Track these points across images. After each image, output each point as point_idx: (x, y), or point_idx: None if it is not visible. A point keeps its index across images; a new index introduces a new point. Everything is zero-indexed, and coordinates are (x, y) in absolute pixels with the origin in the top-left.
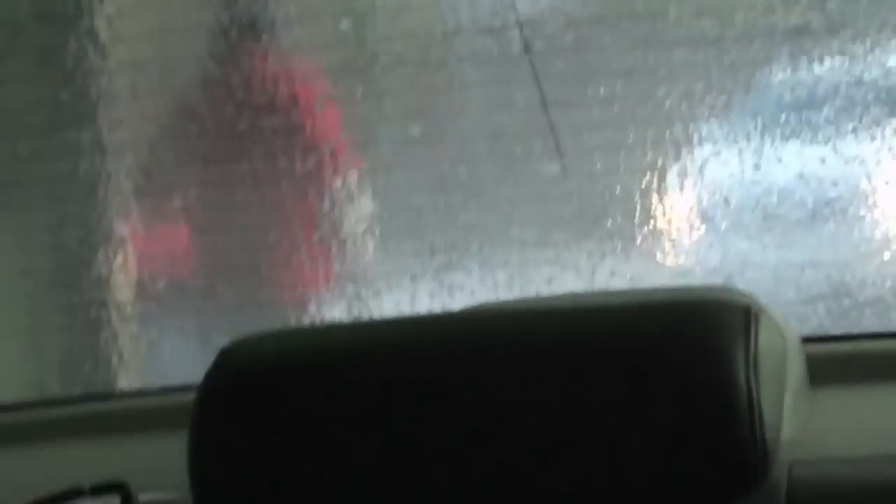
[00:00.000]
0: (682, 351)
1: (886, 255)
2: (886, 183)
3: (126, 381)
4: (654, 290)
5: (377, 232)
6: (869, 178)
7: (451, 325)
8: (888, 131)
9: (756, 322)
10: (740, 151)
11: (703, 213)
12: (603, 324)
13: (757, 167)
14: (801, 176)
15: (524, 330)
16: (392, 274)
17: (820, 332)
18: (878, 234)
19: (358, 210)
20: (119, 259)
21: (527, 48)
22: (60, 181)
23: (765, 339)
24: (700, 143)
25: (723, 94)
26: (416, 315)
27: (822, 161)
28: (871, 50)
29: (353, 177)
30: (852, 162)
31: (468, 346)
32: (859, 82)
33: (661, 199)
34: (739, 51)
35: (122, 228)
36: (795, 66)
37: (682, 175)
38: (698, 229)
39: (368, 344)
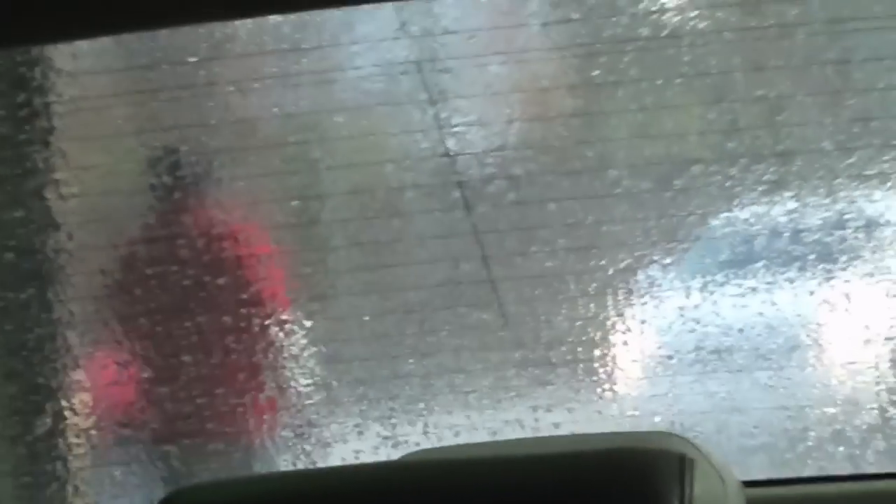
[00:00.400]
0: (617, 500)
1: (827, 403)
2: (822, 331)
3: None
4: (594, 437)
5: (322, 383)
6: (806, 327)
7: (391, 473)
8: (824, 282)
9: (691, 469)
10: (681, 302)
11: (645, 363)
12: (539, 474)
13: (696, 319)
14: (740, 327)
15: (463, 480)
16: (337, 424)
17: (760, 476)
18: (817, 382)
19: (302, 363)
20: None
21: (467, 206)
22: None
23: (701, 486)
24: (640, 294)
25: (662, 248)
26: (357, 464)
27: (760, 312)
28: (806, 204)
29: (297, 330)
30: (790, 312)
31: (409, 496)
32: (796, 235)
33: (602, 349)
34: (678, 206)
35: (72, 378)
36: (732, 221)
37: (623, 325)
38: (640, 378)
39: (308, 494)
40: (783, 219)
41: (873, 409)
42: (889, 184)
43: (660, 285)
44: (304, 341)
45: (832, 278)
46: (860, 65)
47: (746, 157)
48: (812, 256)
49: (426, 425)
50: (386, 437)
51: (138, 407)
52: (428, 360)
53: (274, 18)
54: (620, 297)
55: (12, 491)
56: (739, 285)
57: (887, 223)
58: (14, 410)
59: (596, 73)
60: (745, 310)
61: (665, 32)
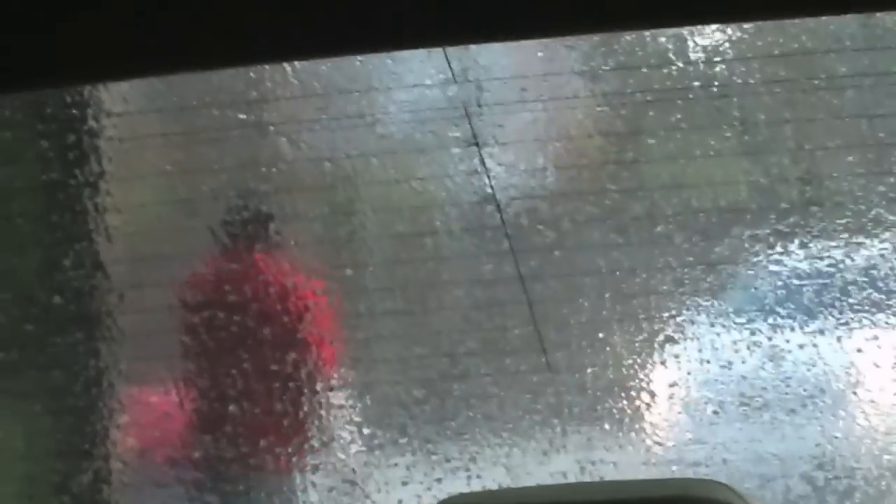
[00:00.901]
0: None
1: (864, 448)
2: (862, 379)
3: None
4: (639, 483)
5: (364, 431)
6: (848, 372)
7: None
8: (867, 326)
9: None
10: (726, 351)
11: (688, 412)
12: None
13: (742, 361)
14: (786, 376)
15: None
16: (379, 472)
17: None
18: (857, 428)
19: (345, 413)
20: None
21: (514, 253)
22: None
23: None
24: (684, 338)
25: (706, 297)
26: None
27: (803, 354)
28: (848, 246)
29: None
30: (829, 352)
31: None
32: (834, 278)
33: (645, 397)
34: (722, 256)
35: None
36: (775, 264)
37: (667, 374)
38: (683, 424)
39: None
40: (827, 268)
41: None
42: None
43: (704, 334)
44: (347, 390)
45: (879, 328)
46: None
47: (789, 205)
48: (857, 306)
49: (469, 475)
50: (428, 486)
51: (183, 450)
52: (472, 408)
53: (321, 62)
54: (664, 347)
55: None
56: (784, 334)
57: None
58: (59, 453)
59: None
60: (789, 359)
61: (714, 83)
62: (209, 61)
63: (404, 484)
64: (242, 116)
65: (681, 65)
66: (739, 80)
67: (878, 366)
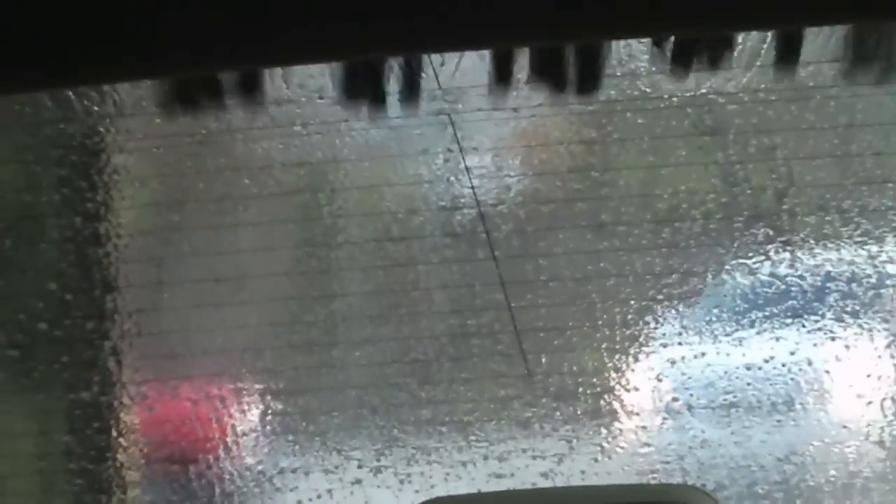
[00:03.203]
0: None
1: (835, 452)
2: (833, 383)
3: None
4: (615, 488)
5: (338, 435)
6: (819, 376)
7: None
8: (838, 332)
9: None
10: (694, 353)
11: (663, 412)
12: None
13: (711, 365)
14: (754, 375)
15: None
16: (354, 474)
17: None
18: (829, 432)
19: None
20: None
21: (494, 256)
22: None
23: None
24: (660, 343)
25: (681, 296)
26: None
27: (775, 359)
28: (812, 250)
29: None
30: (795, 354)
31: None
32: (800, 281)
33: (624, 399)
34: (694, 256)
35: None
36: (749, 269)
37: (640, 369)
38: (659, 429)
39: None
40: (792, 273)
41: (878, 457)
42: (887, 242)
43: (673, 337)
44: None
45: (849, 334)
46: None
47: (760, 213)
48: (828, 313)
49: (447, 477)
50: (399, 479)
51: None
52: (449, 413)
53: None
54: (634, 350)
55: None
56: (756, 340)
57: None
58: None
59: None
60: (761, 364)
61: (686, 91)
62: (191, 66)
63: (378, 473)
64: (214, 123)
65: (654, 70)
66: (711, 89)
67: (848, 371)
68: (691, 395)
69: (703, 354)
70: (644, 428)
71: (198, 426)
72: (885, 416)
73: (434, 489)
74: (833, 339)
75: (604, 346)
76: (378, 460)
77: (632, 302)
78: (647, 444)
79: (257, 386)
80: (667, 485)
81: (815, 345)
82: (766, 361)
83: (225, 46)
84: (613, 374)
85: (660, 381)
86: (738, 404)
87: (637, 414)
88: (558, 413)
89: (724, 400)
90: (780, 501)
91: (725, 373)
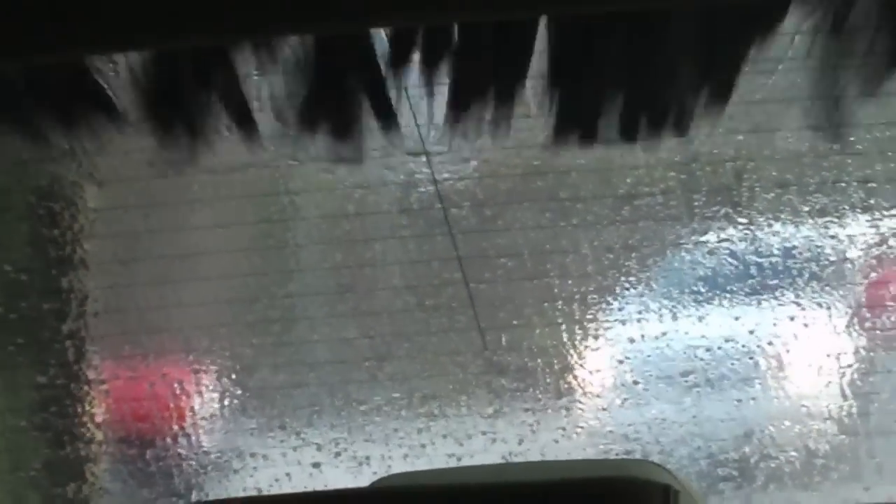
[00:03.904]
0: None
1: (791, 428)
2: (790, 358)
3: None
4: (572, 463)
5: (298, 411)
6: (777, 351)
7: (365, 500)
8: (794, 305)
9: (675, 500)
10: (651, 328)
11: (620, 387)
12: (523, 502)
13: (671, 341)
14: (710, 350)
15: None
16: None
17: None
18: (786, 408)
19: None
20: None
21: (451, 233)
22: None
23: None
24: (619, 320)
25: (635, 272)
26: (329, 490)
27: (733, 334)
28: (771, 227)
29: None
30: (754, 332)
31: None
32: (759, 259)
33: (581, 375)
34: (647, 231)
35: None
36: (702, 245)
37: (599, 347)
38: (616, 404)
39: None
40: (745, 248)
41: (838, 435)
42: (847, 218)
43: (632, 315)
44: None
45: (806, 308)
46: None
47: (716, 187)
48: (785, 286)
49: (401, 454)
50: (358, 461)
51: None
52: (409, 389)
53: None
54: (593, 328)
55: None
56: (713, 314)
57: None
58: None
59: None
60: (718, 339)
61: None
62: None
63: (337, 455)
64: None
65: None
66: None
67: (807, 349)
68: (650, 374)
69: (664, 334)
70: (603, 408)
71: (154, 408)
72: (844, 396)
73: (392, 470)
74: (792, 318)
75: (562, 324)
76: (337, 444)
77: (591, 280)
78: (607, 424)
79: (213, 367)
80: (623, 459)
81: (774, 324)
82: (727, 341)
83: (202, 19)
84: (573, 353)
85: (619, 360)
86: (698, 383)
87: (597, 395)
88: (518, 394)
89: (684, 379)
90: (739, 480)
91: (685, 351)
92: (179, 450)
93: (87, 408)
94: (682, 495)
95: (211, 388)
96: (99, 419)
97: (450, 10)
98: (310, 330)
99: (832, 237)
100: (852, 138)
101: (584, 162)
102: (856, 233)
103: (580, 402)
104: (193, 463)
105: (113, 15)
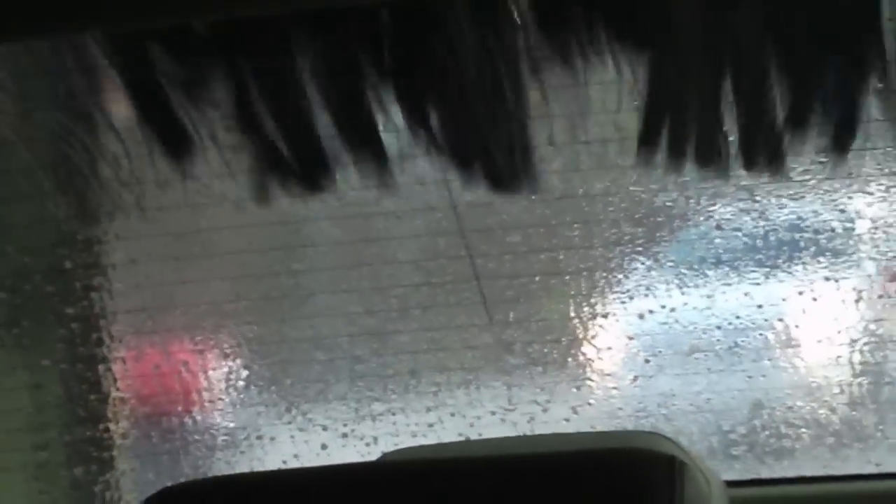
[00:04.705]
0: (608, 502)
1: (801, 402)
2: (797, 327)
3: None
4: (579, 436)
5: (303, 386)
6: (787, 324)
7: (373, 473)
8: (803, 278)
9: (681, 471)
10: (659, 302)
11: (625, 363)
12: (528, 474)
13: (675, 319)
14: (720, 323)
15: (447, 481)
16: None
17: (741, 476)
18: (797, 381)
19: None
20: None
21: (454, 206)
22: None
23: (690, 489)
24: (628, 295)
25: (643, 246)
26: (338, 464)
27: (737, 307)
28: (779, 201)
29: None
30: (763, 307)
31: (391, 497)
32: (767, 233)
33: (583, 349)
34: (658, 205)
35: None
36: (710, 219)
37: (608, 323)
38: (624, 377)
39: (290, 493)
40: (752, 222)
41: (849, 410)
42: (855, 186)
43: (640, 290)
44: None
45: (815, 280)
46: None
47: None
48: (782, 257)
49: (414, 431)
50: (368, 437)
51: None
52: (408, 357)
53: None
54: (604, 301)
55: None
56: (723, 287)
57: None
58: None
59: None
60: (728, 312)
61: None
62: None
63: (344, 436)
64: None
65: None
66: None
67: (816, 320)
68: (657, 343)
69: (672, 310)
70: (614, 386)
71: (160, 389)
72: (854, 370)
73: (394, 441)
74: (801, 292)
75: (568, 293)
76: (345, 424)
77: (595, 250)
78: (617, 399)
79: (220, 344)
80: (630, 431)
81: (783, 298)
82: (736, 316)
83: None
84: (581, 330)
85: (629, 336)
86: (707, 358)
87: (607, 372)
88: (527, 371)
89: (693, 355)
90: (750, 456)
91: (693, 327)
92: (186, 431)
93: (95, 387)
94: (688, 467)
95: (216, 367)
96: (105, 399)
97: None
98: (317, 308)
99: (840, 210)
100: None
101: (592, 130)
102: (863, 206)
103: (587, 374)
104: (200, 444)
105: None
